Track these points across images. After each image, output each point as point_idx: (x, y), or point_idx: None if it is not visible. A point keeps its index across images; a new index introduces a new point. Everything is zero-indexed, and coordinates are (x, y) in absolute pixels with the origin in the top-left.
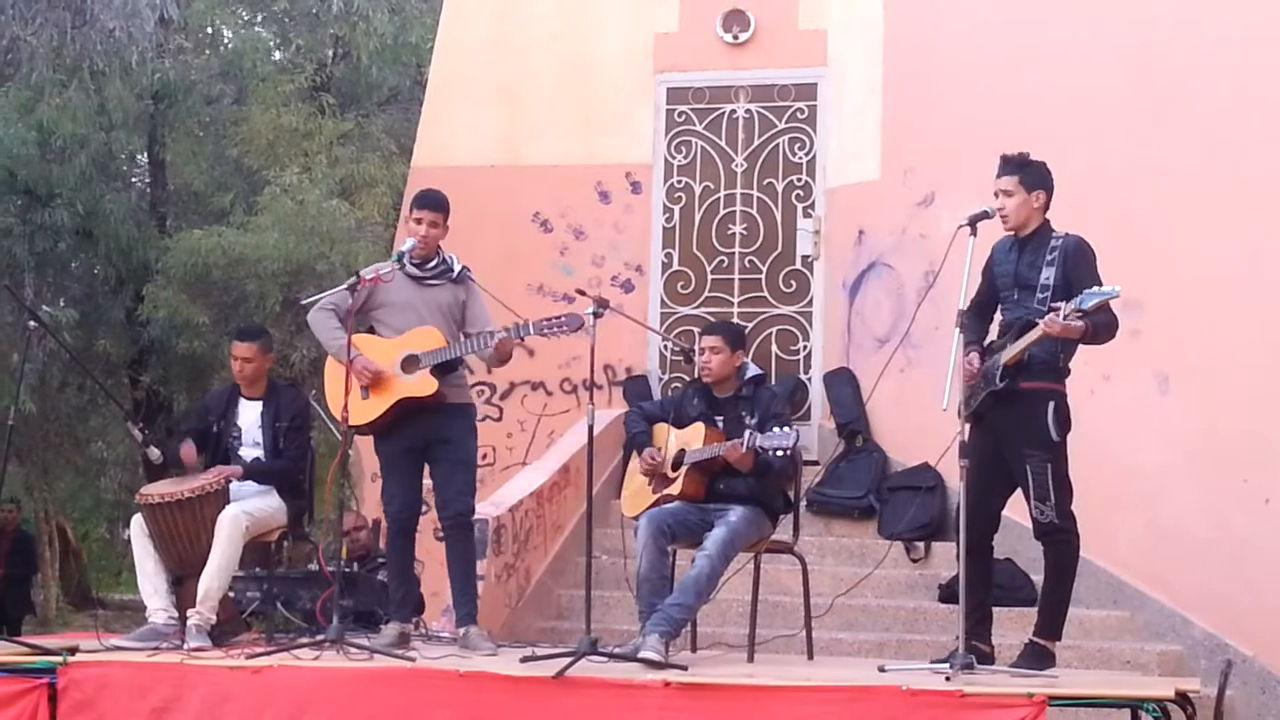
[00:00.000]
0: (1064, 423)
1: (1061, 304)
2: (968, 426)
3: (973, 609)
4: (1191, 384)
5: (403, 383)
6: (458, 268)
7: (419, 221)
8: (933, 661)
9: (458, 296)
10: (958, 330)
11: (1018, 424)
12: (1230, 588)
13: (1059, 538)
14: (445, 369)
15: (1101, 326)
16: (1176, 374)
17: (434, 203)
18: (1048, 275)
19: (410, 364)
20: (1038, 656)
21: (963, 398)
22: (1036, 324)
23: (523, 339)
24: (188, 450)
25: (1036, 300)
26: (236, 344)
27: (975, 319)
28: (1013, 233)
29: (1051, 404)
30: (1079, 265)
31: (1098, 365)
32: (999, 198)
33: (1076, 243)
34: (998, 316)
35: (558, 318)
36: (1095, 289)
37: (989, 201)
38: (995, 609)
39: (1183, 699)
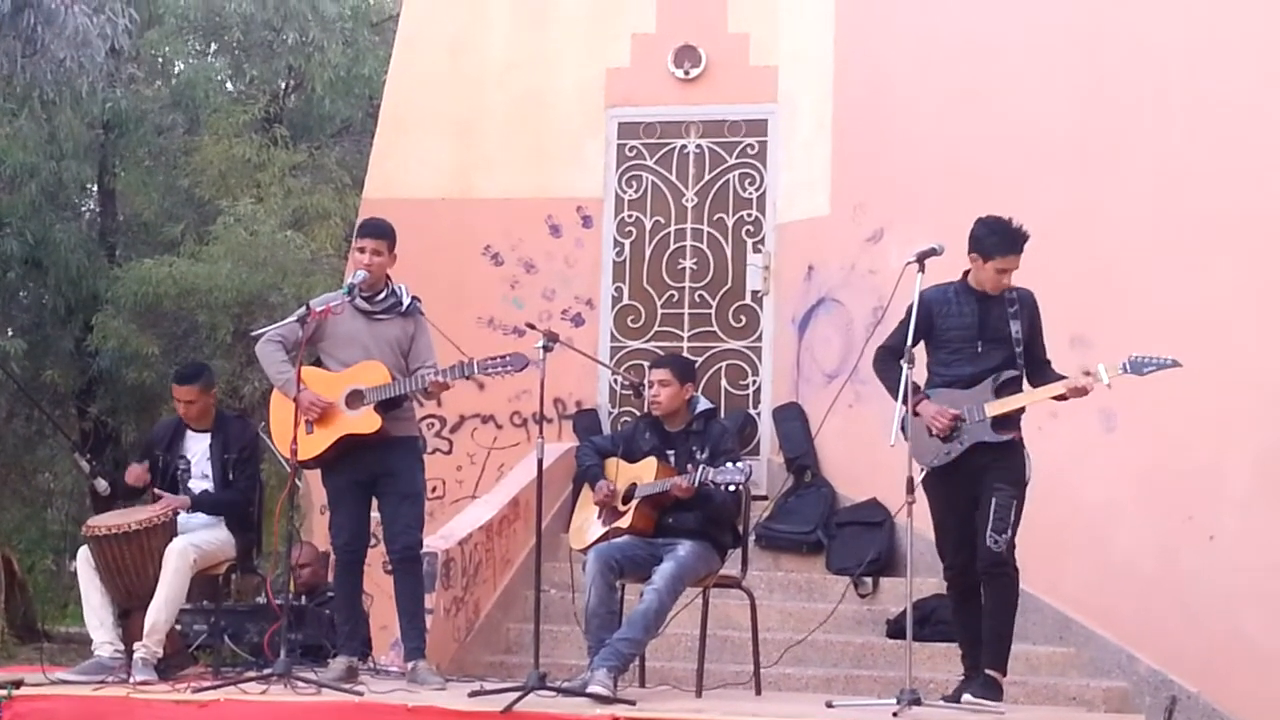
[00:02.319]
0: (1030, 463)
1: (1100, 366)
2: (921, 471)
3: (968, 649)
4: (1137, 421)
5: (347, 418)
6: (407, 300)
7: (363, 250)
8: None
9: (406, 330)
10: (905, 365)
11: (995, 467)
12: (1176, 624)
13: (1004, 570)
14: (391, 404)
15: None
16: (1123, 411)
17: (377, 231)
18: (1016, 328)
19: (355, 399)
20: (989, 686)
21: (931, 452)
22: (1019, 377)
23: (468, 377)
24: (136, 472)
25: (1016, 353)
26: (176, 388)
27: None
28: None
29: (1024, 447)
30: (1037, 320)
31: (1045, 403)
32: (1006, 276)
33: (1032, 297)
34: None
35: (503, 357)
36: (1154, 358)
37: (940, 238)
38: (940, 644)
39: None
